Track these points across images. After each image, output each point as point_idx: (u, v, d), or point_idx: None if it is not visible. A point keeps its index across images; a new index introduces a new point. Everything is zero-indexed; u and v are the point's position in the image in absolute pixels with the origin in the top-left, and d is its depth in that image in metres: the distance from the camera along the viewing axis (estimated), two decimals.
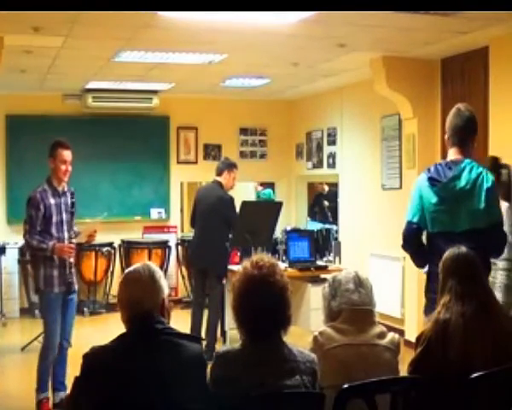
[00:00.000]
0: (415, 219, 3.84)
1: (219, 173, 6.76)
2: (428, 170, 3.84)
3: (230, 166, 6.81)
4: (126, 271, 2.72)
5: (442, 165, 3.82)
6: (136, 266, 2.70)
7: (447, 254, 3.29)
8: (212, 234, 6.63)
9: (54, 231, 5.05)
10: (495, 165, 4.42)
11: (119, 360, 2.44)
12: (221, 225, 6.60)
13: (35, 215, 4.98)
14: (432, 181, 3.76)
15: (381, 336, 3.01)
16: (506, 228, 4.03)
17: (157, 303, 2.58)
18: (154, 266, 2.69)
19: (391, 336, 3.04)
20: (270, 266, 2.65)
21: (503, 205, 4.27)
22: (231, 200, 6.69)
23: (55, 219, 5.05)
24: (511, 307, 4.30)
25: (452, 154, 3.84)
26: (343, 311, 3.02)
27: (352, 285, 3.05)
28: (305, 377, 2.59)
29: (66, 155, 5.12)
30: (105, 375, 2.40)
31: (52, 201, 5.04)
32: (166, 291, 2.64)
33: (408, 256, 7.07)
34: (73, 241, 5.25)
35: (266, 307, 2.59)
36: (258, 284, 2.61)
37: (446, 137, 3.92)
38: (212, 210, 6.62)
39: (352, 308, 3.01)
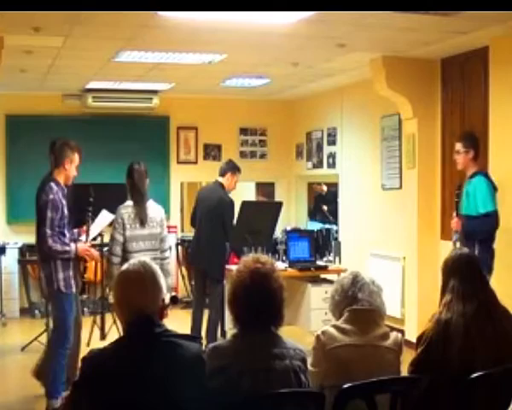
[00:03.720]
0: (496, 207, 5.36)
1: (222, 174, 6.75)
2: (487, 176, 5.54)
3: (234, 168, 6.80)
4: (124, 268, 2.58)
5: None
6: (134, 263, 2.57)
7: (449, 254, 3.31)
8: (212, 235, 6.62)
9: (66, 231, 5.07)
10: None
11: (117, 363, 2.41)
12: (220, 227, 6.60)
13: (55, 217, 4.94)
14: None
15: (384, 337, 3.00)
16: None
17: (158, 306, 2.53)
18: (153, 264, 2.61)
19: (394, 336, 3.03)
20: (271, 264, 2.74)
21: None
22: (231, 203, 6.68)
23: (66, 220, 5.08)
24: None
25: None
26: (346, 311, 3.03)
27: (375, 288, 3.08)
28: (294, 361, 2.64)
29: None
30: (104, 379, 2.38)
31: (64, 201, 5.06)
32: (165, 290, 2.61)
33: (408, 256, 7.17)
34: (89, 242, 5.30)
35: (265, 300, 2.65)
36: (260, 277, 2.67)
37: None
38: (211, 211, 6.61)
39: (355, 308, 3.01)
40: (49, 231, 4.92)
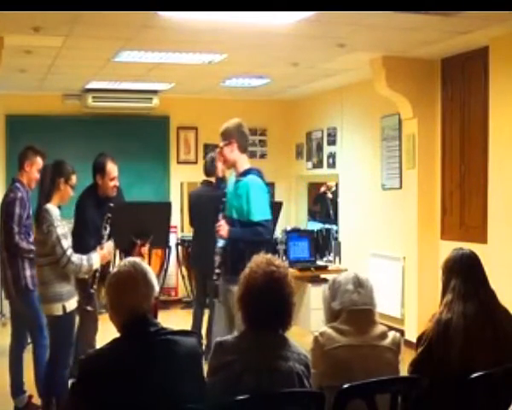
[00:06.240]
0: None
1: (212, 174, 6.69)
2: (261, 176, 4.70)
3: None
4: (115, 271, 2.60)
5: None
6: (124, 264, 2.59)
7: (449, 254, 3.31)
8: (210, 236, 6.59)
9: (30, 231, 5.07)
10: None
11: (115, 364, 2.42)
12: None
13: (23, 215, 4.96)
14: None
15: (383, 336, 2.99)
16: None
17: (151, 305, 2.56)
18: (144, 263, 2.63)
19: (392, 335, 3.02)
20: (284, 268, 2.76)
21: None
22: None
23: (31, 221, 5.07)
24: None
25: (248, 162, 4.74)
26: (343, 311, 3.02)
27: (352, 286, 3.04)
28: (297, 365, 2.64)
29: None
30: (101, 380, 2.39)
31: (27, 203, 5.09)
32: (157, 288, 2.61)
33: (408, 256, 7.17)
34: None
35: (277, 305, 2.67)
36: (274, 281, 2.68)
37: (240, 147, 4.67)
38: (207, 212, 6.57)
39: (351, 309, 3.00)
40: (16, 228, 4.94)
